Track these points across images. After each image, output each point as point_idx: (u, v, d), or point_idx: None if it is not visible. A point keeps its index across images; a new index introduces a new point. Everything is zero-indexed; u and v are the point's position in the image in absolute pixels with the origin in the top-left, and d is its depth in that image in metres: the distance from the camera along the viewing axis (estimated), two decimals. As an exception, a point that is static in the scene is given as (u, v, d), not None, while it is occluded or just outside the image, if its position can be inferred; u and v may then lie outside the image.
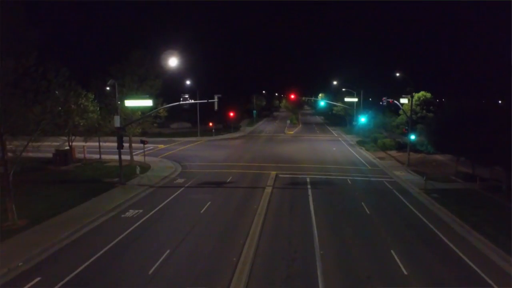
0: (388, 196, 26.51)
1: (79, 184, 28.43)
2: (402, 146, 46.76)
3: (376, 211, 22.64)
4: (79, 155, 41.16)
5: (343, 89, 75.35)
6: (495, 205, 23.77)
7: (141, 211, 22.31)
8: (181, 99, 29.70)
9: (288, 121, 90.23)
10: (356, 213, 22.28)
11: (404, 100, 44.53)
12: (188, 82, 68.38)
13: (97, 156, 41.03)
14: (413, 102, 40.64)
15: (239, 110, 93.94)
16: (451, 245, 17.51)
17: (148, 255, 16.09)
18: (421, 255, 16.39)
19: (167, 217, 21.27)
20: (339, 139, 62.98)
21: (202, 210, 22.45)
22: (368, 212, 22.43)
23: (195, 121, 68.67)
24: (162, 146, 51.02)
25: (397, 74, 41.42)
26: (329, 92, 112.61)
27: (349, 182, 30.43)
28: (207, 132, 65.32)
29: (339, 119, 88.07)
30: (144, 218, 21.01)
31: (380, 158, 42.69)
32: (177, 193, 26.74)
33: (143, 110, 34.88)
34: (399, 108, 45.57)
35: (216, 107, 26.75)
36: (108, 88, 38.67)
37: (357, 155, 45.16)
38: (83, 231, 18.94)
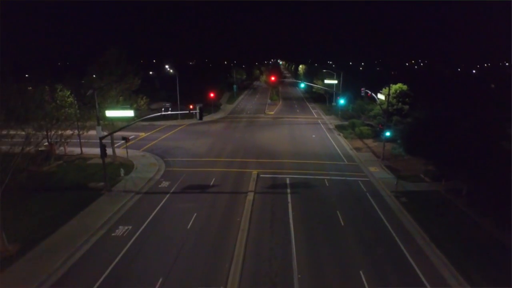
0: (362, 201, 28.62)
1: (64, 192, 28.80)
2: (378, 134, 48.89)
3: (349, 222, 24.71)
4: (60, 149, 40.74)
5: (324, 70, 75.59)
6: (455, 212, 26.38)
7: (130, 227, 23.35)
8: (163, 109, 29.55)
9: (269, 100, 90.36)
10: (332, 225, 24.27)
11: (381, 96, 45.95)
12: (167, 66, 66.45)
13: (78, 150, 40.79)
14: (390, 95, 41.98)
15: (219, 86, 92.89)
16: (412, 263, 19.85)
17: (143, 285, 17.43)
18: (386, 275, 18.62)
19: (156, 235, 22.42)
20: (318, 122, 64.56)
21: (189, 225, 23.76)
22: (342, 223, 24.49)
23: (175, 100, 67.80)
24: (143, 134, 50.83)
25: (377, 69, 42.05)
26: (310, 66, 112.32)
27: (327, 183, 32.32)
28: (188, 114, 64.77)
29: (319, 96, 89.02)
30: (134, 237, 22.11)
31: (357, 149, 44.79)
32: (163, 201, 27.76)
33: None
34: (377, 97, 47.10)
35: (198, 118, 27.10)
36: (83, 82, 37.68)
37: (335, 145, 47.02)
38: (76, 256, 19.92)
